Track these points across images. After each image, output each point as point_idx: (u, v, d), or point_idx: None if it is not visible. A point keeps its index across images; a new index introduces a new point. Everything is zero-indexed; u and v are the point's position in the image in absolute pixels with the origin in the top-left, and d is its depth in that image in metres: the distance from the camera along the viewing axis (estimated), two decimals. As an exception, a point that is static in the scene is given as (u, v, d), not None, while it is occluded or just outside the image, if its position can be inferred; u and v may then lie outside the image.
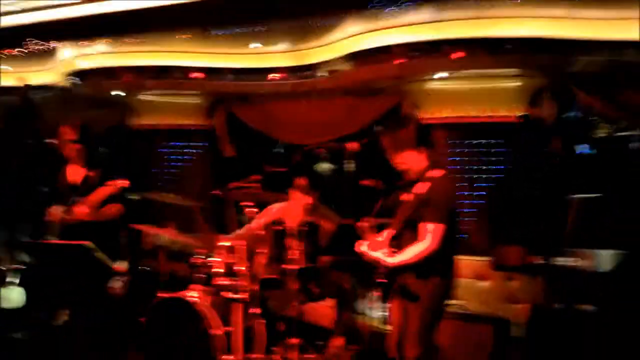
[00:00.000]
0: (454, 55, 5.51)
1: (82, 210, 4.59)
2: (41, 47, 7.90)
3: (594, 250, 3.90)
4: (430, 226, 3.64)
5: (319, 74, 6.73)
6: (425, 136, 3.84)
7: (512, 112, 5.72)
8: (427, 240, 3.64)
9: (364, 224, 3.89)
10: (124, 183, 4.64)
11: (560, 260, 3.93)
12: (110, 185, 4.61)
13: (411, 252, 3.67)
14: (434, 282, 3.72)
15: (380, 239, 3.79)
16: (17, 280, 5.92)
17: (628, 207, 3.87)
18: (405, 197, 3.76)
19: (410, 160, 3.79)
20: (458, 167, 5.87)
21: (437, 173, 3.72)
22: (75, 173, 4.96)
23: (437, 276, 3.72)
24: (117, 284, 5.69)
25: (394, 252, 3.72)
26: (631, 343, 3.89)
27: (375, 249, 3.75)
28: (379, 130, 3.93)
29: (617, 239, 3.95)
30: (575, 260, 3.90)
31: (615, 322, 4.01)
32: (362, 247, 3.82)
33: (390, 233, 3.77)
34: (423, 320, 3.73)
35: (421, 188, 3.65)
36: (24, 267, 6.00)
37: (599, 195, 3.95)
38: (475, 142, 5.82)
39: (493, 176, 5.78)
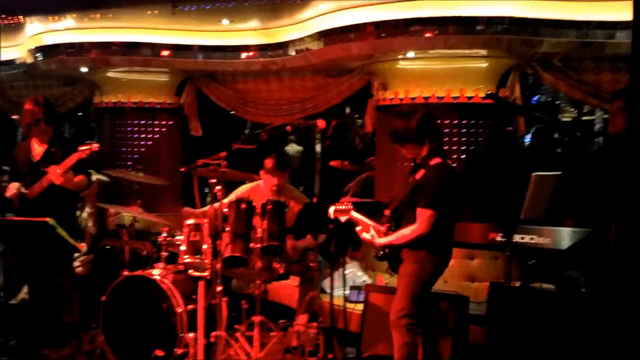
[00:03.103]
0: (424, 34, 5.51)
1: (55, 174, 4.50)
2: (8, 22, 7.74)
3: (553, 228, 3.93)
4: (422, 211, 3.84)
5: (289, 52, 6.70)
6: (430, 130, 3.98)
7: (479, 92, 5.73)
8: (417, 224, 3.85)
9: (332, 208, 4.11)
10: (95, 147, 4.55)
11: (520, 238, 3.96)
12: (84, 149, 4.52)
13: (400, 234, 3.92)
14: (422, 254, 3.90)
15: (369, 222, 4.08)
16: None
17: (587, 186, 3.91)
18: (409, 180, 4.00)
19: (415, 151, 4.00)
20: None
21: (434, 161, 3.90)
22: (36, 149, 4.87)
23: (426, 250, 3.90)
24: (79, 262, 5.67)
25: (387, 232, 4.02)
26: (590, 320, 3.94)
27: (368, 230, 4.05)
28: (395, 122, 4.14)
29: (576, 217, 3.99)
30: (534, 237, 3.94)
31: (574, 299, 4.06)
32: (358, 228, 4.10)
33: (385, 214, 4.03)
34: (407, 285, 3.90)
35: (420, 173, 3.89)
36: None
37: (558, 173, 3.98)
38: (442, 121, 5.81)
39: (459, 156, 5.80)
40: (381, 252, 4.03)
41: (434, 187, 3.83)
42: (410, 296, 3.89)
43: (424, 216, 3.82)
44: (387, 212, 4.04)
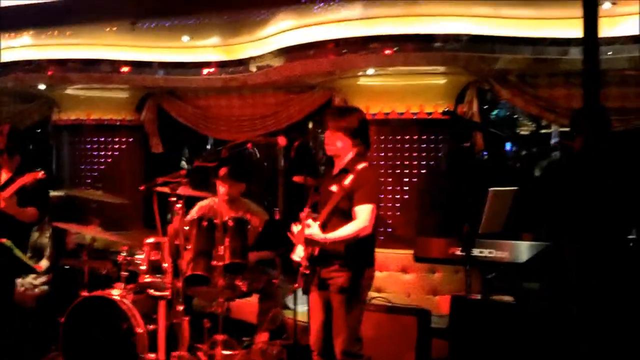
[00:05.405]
0: (384, 51, 5.59)
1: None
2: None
3: (512, 242, 4.01)
4: (362, 207, 3.68)
5: (250, 68, 6.71)
6: (365, 133, 3.88)
7: (438, 108, 5.82)
8: (360, 219, 3.67)
9: (303, 215, 3.82)
10: (40, 175, 4.48)
11: (479, 252, 4.03)
12: (28, 175, 4.45)
13: (346, 230, 3.67)
14: (358, 273, 3.75)
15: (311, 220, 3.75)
16: None
17: (544, 199, 3.99)
18: (332, 187, 3.78)
19: (342, 146, 3.82)
20: (386, 161, 5.94)
21: (361, 165, 3.74)
22: (2, 177, 4.80)
23: (360, 266, 3.77)
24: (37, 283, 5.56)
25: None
26: (548, 331, 4.01)
27: (307, 227, 3.70)
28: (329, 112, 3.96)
29: (533, 231, 4.07)
30: (492, 251, 4.01)
31: (533, 311, 4.14)
32: (295, 228, 3.82)
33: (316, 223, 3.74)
34: (351, 311, 3.75)
35: (348, 180, 3.68)
36: None
37: (514, 188, 4.07)
38: (402, 137, 5.89)
39: (419, 171, 5.88)
40: (307, 270, 3.69)
41: (371, 184, 3.74)
42: (355, 327, 3.76)
43: (366, 210, 3.67)
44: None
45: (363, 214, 3.68)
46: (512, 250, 3.99)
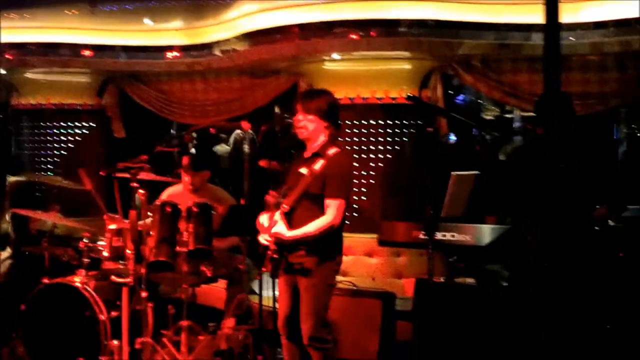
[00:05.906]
0: (348, 36, 5.58)
1: None
2: None
3: (474, 225, 4.05)
4: (332, 201, 3.68)
5: (214, 52, 6.65)
6: (335, 116, 3.84)
7: (403, 93, 5.83)
8: (329, 214, 3.67)
9: (270, 198, 3.82)
10: None
11: (442, 235, 4.06)
12: None
13: (313, 226, 3.67)
14: (326, 259, 3.75)
15: (277, 214, 3.74)
16: None
17: (508, 183, 4.05)
18: (302, 170, 3.76)
19: (312, 129, 3.77)
20: (351, 146, 5.95)
21: (333, 150, 3.75)
22: None
23: (329, 252, 3.77)
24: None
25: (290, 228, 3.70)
26: (510, 314, 4.07)
27: (274, 223, 3.70)
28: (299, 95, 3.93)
29: (495, 214, 4.12)
30: (455, 234, 4.05)
31: (495, 293, 4.20)
32: (261, 220, 3.79)
33: (284, 208, 3.74)
34: (318, 296, 3.75)
35: (318, 164, 3.68)
36: None
37: (476, 172, 4.11)
38: (367, 122, 5.90)
39: (385, 155, 5.90)
40: (276, 255, 3.65)
41: (343, 176, 3.73)
42: (322, 312, 3.77)
43: (336, 206, 3.67)
44: (283, 209, 3.72)
45: (331, 210, 3.68)
46: (474, 234, 4.03)
